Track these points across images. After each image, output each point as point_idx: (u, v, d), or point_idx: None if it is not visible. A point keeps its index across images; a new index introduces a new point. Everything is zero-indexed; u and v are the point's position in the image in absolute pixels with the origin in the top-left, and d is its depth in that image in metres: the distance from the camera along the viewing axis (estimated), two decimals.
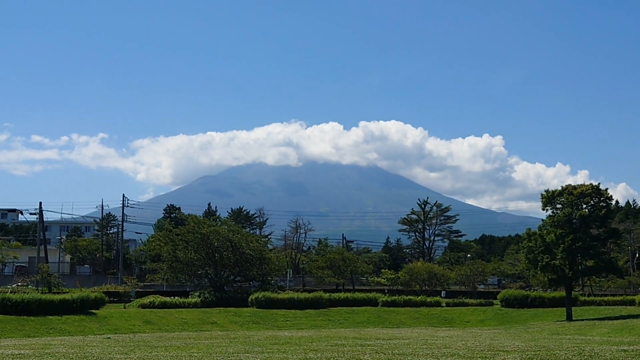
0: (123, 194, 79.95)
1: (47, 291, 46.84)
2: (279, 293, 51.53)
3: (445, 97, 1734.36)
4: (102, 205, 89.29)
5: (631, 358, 17.60)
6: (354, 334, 31.48)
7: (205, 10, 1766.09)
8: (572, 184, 46.10)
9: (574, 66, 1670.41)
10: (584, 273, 46.52)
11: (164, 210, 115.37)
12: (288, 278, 73.78)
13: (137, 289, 55.58)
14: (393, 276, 70.68)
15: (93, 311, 40.42)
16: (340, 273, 67.15)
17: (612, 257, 49.81)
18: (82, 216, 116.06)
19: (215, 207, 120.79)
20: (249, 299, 49.18)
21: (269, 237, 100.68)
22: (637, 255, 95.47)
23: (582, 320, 42.02)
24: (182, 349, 21.82)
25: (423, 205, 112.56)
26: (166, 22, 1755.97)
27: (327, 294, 52.84)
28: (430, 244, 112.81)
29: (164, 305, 45.58)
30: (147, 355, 18.89)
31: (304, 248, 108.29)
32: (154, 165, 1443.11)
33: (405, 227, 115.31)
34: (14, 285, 46.60)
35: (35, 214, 69.78)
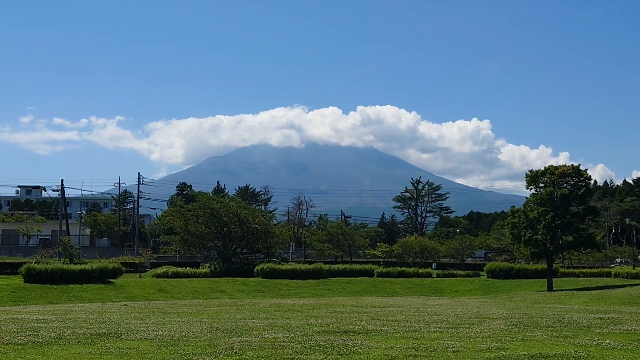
0: (138, 173, 79.98)
1: (68, 262, 46.92)
2: (282, 264, 51.62)
3: (437, 83, 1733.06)
4: (119, 183, 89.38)
5: (607, 325, 17.66)
6: (351, 302, 31.55)
7: (216, 3, 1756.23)
8: (554, 165, 46.01)
9: (556, 55, 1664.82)
10: (564, 247, 46.51)
11: (176, 187, 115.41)
12: (291, 250, 73.94)
13: (152, 260, 55.66)
14: (388, 249, 70.70)
15: (111, 280, 40.53)
16: (339, 246, 67.25)
17: (590, 233, 49.78)
18: (101, 193, 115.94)
19: (224, 185, 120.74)
20: (255, 270, 49.26)
21: (274, 212, 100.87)
22: (614, 231, 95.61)
23: (562, 290, 42.13)
24: (193, 315, 21.88)
25: (416, 184, 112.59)
26: (180, 14, 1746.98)
27: (327, 266, 52.93)
28: (422, 220, 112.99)
29: (176, 275, 45.71)
30: (161, 321, 18.94)
31: (306, 223, 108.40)
32: (167, 146, 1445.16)
33: (399, 204, 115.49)
34: (38, 256, 46.62)
35: (57, 190, 69.70)
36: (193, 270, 48.69)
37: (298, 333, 15.21)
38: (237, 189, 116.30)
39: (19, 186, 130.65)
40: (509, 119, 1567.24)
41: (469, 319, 20.09)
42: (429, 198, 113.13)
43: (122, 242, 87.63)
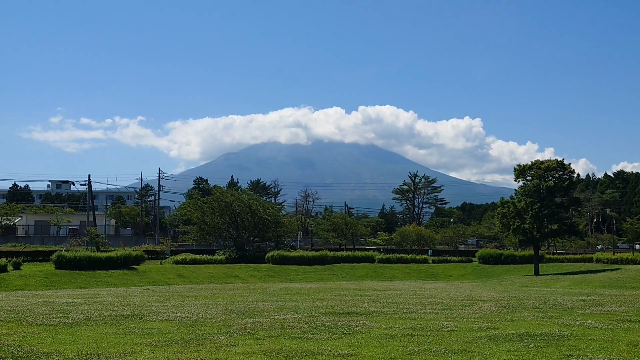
0: (159, 168, 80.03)
1: (95, 250, 47.05)
2: (291, 252, 51.60)
3: (432, 85, 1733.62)
4: (141, 178, 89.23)
5: (589, 306, 17.64)
6: (354, 286, 31.58)
7: (230, 15, 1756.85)
8: (540, 160, 45.79)
9: (542, 58, 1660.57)
10: (549, 235, 46.37)
11: (193, 181, 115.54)
12: (298, 239, 73.88)
13: (172, 248, 55.68)
14: (387, 237, 70.45)
15: (134, 266, 40.63)
16: (343, 235, 67.15)
17: (573, 222, 49.68)
18: (125, 187, 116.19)
19: (237, 179, 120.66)
20: (266, 257, 49.30)
21: (283, 204, 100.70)
22: (595, 220, 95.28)
23: (548, 274, 42.04)
24: (209, 298, 21.93)
25: (413, 178, 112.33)
26: (197, 24, 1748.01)
27: (332, 253, 52.89)
28: (419, 210, 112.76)
29: (194, 262, 45.76)
30: (180, 303, 19.01)
31: (312, 214, 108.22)
32: (184, 144, 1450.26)
33: (398, 196, 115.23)
34: (68, 244, 46.75)
35: (85, 184, 69.80)
36: (209, 257, 48.73)
37: (305, 314, 15.24)
38: (249, 182, 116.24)
39: (49, 181, 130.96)
40: (498, 118, 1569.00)
41: (462, 301, 20.09)
42: (425, 190, 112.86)
43: (144, 232, 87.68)
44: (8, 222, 71.45)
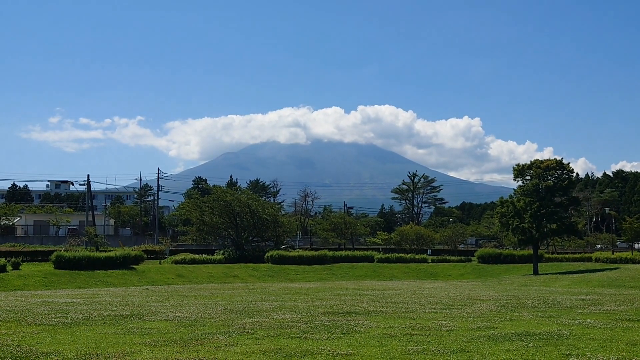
0: (158, 168, 79.97)
1: (94, 250, 46.97)
2: (290, 251, 51.58)
3: (431, 84, 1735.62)
4: (141, 177, 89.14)
5: (588, 306, 17.64)
6: (353, 286, 31.54)
7: (228, 15, 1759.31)
8: (539, 159, 45.78)
9: (541, 58, 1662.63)
10: (548, 234, 46.35)
11: (192, 181, 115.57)
12: (298, 239, 73.81)
13: (171, 248, 55.64)
14: (387, 237, 70.48)
15: (133, 266, 40.60)
16: (342, 234, 67.13)
17: (572, 221, 49.60)
18: (124, 186, 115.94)
19: (236, 179, 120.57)
20: (265, 256, 49.26)
21: (282, 204, 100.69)
22: (594, 219, 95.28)
23: (547, 274, 42.03)
24: (208, 297, 21.91)
25: (412, 177, 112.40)
26: (196, 24, 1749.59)
27: (331, 252, 52.87)
28: (418, 210, 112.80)
29: (193, 262, 45.75)
30: (180, 303, 18.99)
31: (311, 213, 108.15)
32: (183, 144, 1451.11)
33: (397, 195, 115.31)
34: (67, 244, 46.68)
35: (84, 184, 69.63)
36: (208, 257, 48.72)
37: (305, 314, 15.23)
38: (248, 182, 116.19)
39: (49, 181, 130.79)
40: (498, 117, 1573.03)
41: (461, 300, 20.07)
42: (425, 190, 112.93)
43: (143, 232, 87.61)
44: (7, 222, 71.38)
